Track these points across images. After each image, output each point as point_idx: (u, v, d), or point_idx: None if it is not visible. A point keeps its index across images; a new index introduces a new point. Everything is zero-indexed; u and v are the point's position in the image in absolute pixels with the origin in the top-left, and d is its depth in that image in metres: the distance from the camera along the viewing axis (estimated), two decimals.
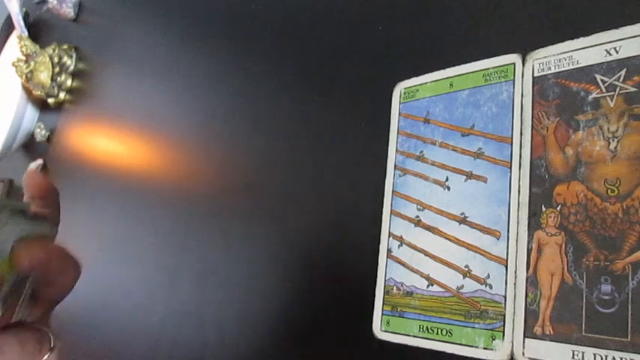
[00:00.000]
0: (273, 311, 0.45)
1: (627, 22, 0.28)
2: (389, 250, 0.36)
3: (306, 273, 0.43)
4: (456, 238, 0.33)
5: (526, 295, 0.29)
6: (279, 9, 0.53)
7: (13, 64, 0.95)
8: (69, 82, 0.92)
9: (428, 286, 0.34)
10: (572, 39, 0.30)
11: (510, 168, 0.31)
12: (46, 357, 0.29)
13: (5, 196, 1.03)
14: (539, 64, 0.31)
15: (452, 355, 0.31)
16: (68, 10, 0.94)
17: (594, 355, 0.25)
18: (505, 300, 0.30)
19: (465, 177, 0.34)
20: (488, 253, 0.31)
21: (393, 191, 0.37)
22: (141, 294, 0.61)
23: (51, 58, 0.92)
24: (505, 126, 0.32)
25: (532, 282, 0.29)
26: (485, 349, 0.30)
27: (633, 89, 0.27)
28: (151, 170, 0.67)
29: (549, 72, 0.31)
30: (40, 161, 0.93)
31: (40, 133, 0.94)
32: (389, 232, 0.37)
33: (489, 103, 0.34)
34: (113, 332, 0.64)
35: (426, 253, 0.34)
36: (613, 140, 0.27)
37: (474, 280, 0.31)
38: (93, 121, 0.86)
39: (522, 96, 0.32)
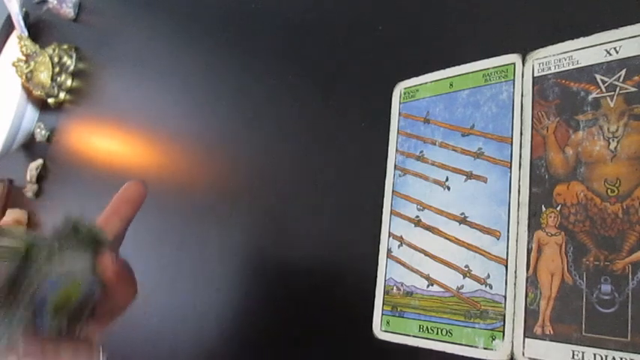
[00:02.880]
0: (273, 311, 0.45)
1: (627, 22, 0.28)
2: (389, 250, 0.36)
3: (306, 273, 0.43)
4: (456, 238, 0.33)
5: (526, 295, 0.29)
6: (279, 9, 0.53)
7: (13, 64, 0.95)
8: (69, 82, 0.92)
9: (428, 286, 0.34)
10: (572, 39, 0.30)
11: (510, 168, 0.31)
12: None
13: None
14: (539, 64, 0.31)
15: (452, 355, 0.31)
16: (68, 10, 0.94)
17: (594, 355, 0.25)
18: (505, 300, 0.30)
19: (465, 177, 0.34)
20: (488, 253, 0.31)
21: (393, 191, 0.37)
22: (140, 294, 0.61)
23: (51, 58, 0.92)
24: (505, 126, 0.32)
25: (532, 282, 0.29)
26: (485, 349, 0.30)
27: (633, 89, 0.27)
28: (151, 170, 0.67)
29: (549, 72, 0.31)
30: (40, 161, 0.93)
31: (40, 133, 0.94)
32: (389, 232, 0.37)
33: (489, 103, 0.34)
34: (113, 333, 0.64)
35: (426, 253, 0.34)
36: (613, 140, 0.27)
37: (474, 280, 0.31)
38: (93, 121, 0.86)
39: (522, 96, 0.32)
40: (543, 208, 0.29)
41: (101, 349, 0.32)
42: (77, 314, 0.31)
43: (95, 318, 0.32)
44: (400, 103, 0.39)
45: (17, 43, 0.97)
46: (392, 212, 0.37)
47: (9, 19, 1.11)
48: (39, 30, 1.07)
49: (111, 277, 0.30)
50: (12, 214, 0.94)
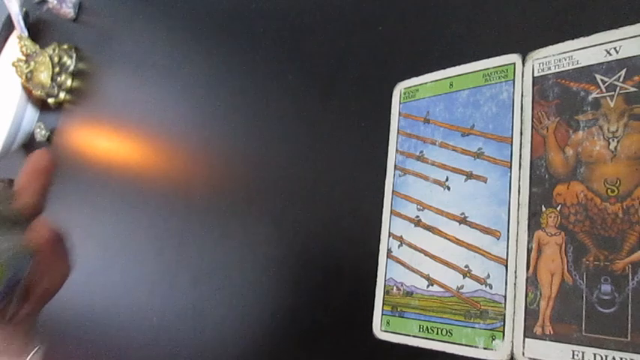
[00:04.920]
0: (273, 311, 0.45)
1: (627, 22, 0.28)
2: (389, 250, 0.36)
3: (305, 273, 0.43)
4: (456, 238, 0.33)
5: (526, 295, 0.29)
6: (279, 9, 0.53)
7: (13, 64, 0.94)
8: (69, 82, 0.92)
9: (428, 286, 0.34)
10: (572, 39, 0.30)
11: (510, 168, 0.31)
12: (30, 356, 0.29)
13: None
14: (539, 64, 0.31)
15: (452, 355, 0.31)
16: (68, 10, 0.94)
17: (594, 355, 0.25)
18: (505, 300, 0.30)
19: (465, 177, 0.34)
20: (488, 253, 0.31)
21: (393, 191, 0.37)
22: (140, 294, 0.61)
23: (51, 58, 0.92)
24: (505, 126, 0.32)
25: (532, 282, 0.29)
26: (485, 349, 0.30)
27: (633, 89, 0.27)
28: (151, 171, 0.67)
29: (549, 72, 0.31)
30: None
31: (40, 133, 0.94)
32: (389, 232, 0.37)
33: (489, 103, 0.34)
34: (113, 333, 0.64)
35: (426, 253, 0.34)
36: (613, 140, 0.27)
37: (474, 280, 0.31)
38: (93, 121, 0.86)
39: (522, 96, 0.32)
40: (543, 208, 0.29)
41: (35, 333, 0.30)
42: (5, 297, 0.29)
43: (27, 300, 0.30)
44: (400, 103, 0.39)
45: (17, 43, 0.96)
46: (392, 212, 0.37)
47: (9, 19, 1.11)
48: (39, 30, 1.07)
49: (40, 243, 0.29)
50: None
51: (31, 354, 0.29)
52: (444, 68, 0.37)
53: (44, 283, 0.30)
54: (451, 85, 0.36)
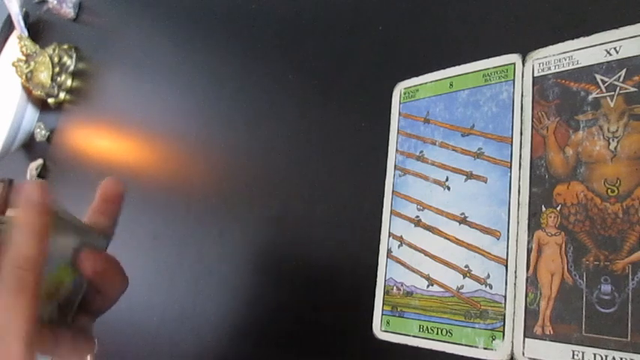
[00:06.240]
0: (272, 311, 0.45)
1: (627, 22, 0.28)
2: (389, 250, 0.36)
3: (305, 273, 0.43)
4: (456, 238, 0.33)
5: (526, 295, 0.29)
6: (279, 9, 0.53)
7: (13, 64, 0.94)
8: (69, 82, 0.92)
9: (428, 286, 0.34)
10: (572, 39, 0.30)
11: (510, 168, 0.31)
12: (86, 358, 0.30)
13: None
14: (539, 64, 0.31)
15: (452, 355, 0.31)
16: (68, 10, 0.94)
17: (594, 355, 0.25)
18: (505, 300, 0.30)
19: (465, 177, 0.34)
20: (489, 253, 0.31)
21: (393, 191, 0.37)
22: (140, 294, 0.61)
23: (51, 58, 0.92)
24: (505, 126, 0.32)
25: (532, 282, 0.29)
26: (485, 349, 0.30)
27: (633, 89, 0.27)
28: (151, 170, 0.67)
29: (549, 72, 0.31)
30: (40, 161, 0.93)
31: (40, 133, 0.94)
32: (389, 232, 0.37)
33: (489, 103, 0.34)
34: (113, 333, 0.64)
35: (426, 253, 0.34)
36: (613, 140, 0.27)
37: (474, 280, 0.31)
38: (93, 121, 0.86)
39: (522, 96, 0.32)
40: (543, 208, 0.29)
41: (95, 340, 0.31)
42: (68, 302, 0.30)
43: (85, 308, 0.31)
44: (400, 103, 0.39)
45: (17, 43, 0.96)
46: (392, 212, 0.37)
47: (9, 19, 1.11)
48: (39, 30, 1.07)
49: (90, 274, 0.30)
50: (12, 214, 0.93)
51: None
52: (444, 68, 0.37)
53: (99, 298, 0.32)
54: (451, 85, 0.36)
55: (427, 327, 0.33)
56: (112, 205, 0.33)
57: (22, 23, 1.00)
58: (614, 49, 0.28)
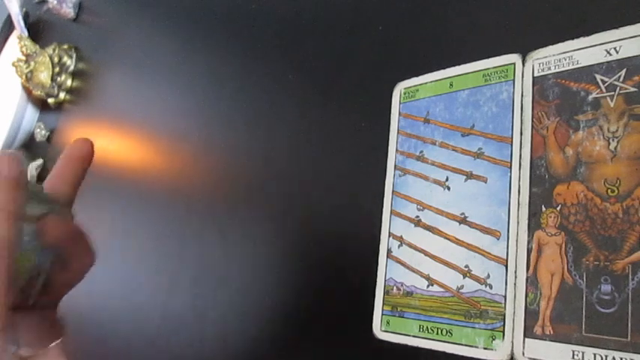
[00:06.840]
0: (273, 311, 0.45)
1: (627, 22, 0.28)
2: (389, 250, 0.36)
3: (305, 273, 0.43)
4: (456, 238, 0.33)
5: (526, 295, 0.29)
6: (279, 9, 0.53)
7: (13, 64, 0.95)
8: (69, 82, 0.92)
9: (428, 286, 0.34)
10: (572, 39, 0.30)
11: (510, 168, 0.31)
12: (55, 343, 0.29)
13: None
14: (539, 64, 0.31)
15: (452, 355, 0.31)
16: (68, 10, 0.94)
17: (594, 355, 0.25)
18: (505, 300, 0.30)
19: (465, 177, 0.34)
20: (489, 253, 0.31)
21: (393, 191, 0.37)
22: (141, 295, 0.61)
23: (51, 58, 0.92)
24: (505, 126, 0.32)
25: (532, 282, 0.29)
26: (485, 349, 0.30)
27: (633, 89, 0.27)
28: (151, 170, 0.67)
29: (549, 72, 0.31)
30: (40, 161, 0.93)
31: (40, 133, 0.94)
32: (389, 232, 0.37)
33: (489, 103, 0.34)
34: (114, 333, 0.64)
35: (426, 253, 0.34)
36: (613, 140, 0.27)
37: (474, 280, 0.31)
38: (93, 120, 0.86)
39: (522, 96, 0.32)
40: (543, 208, 0.29)
41: (63, 320, 0.29)
42: (31, 282, 0.28)
43: (50, 288, 0.29)
44: (400, 103, 0.39)
45: (17, 43, 0.96)
46: (392, 212, 0.37)
47: (9, 19, 1.11)
48: (39, 30, 1.07)
49: (61, 239, 0.27)
50: None
51: (55, 342, 0.29)
52: (444, 68, 0.37)
53: (65, 274, 0.29)
54: (451, 85, 0.36)
55: (427, 327, 0.33)
56: (75, 167, 0.30)
57: (22, 23, 1.00)
58: (614, 49, 0.28)
